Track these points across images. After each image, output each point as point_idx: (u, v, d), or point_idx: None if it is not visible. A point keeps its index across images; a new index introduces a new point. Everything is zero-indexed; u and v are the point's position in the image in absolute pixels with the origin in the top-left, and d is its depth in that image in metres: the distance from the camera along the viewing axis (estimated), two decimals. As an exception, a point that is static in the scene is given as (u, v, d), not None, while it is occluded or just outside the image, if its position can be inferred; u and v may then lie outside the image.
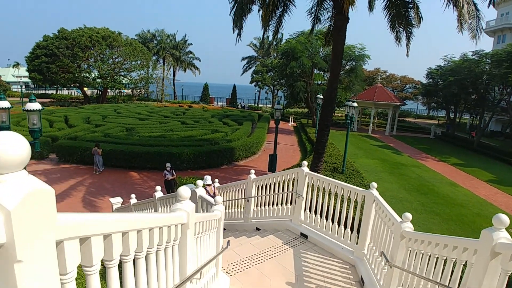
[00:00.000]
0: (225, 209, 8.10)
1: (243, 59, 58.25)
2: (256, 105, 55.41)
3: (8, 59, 49.64)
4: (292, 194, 6.39)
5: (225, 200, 8.13)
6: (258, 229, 7.01)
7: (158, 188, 6.18)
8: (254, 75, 52.04)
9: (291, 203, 6.40)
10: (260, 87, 54.04)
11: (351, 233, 5.45)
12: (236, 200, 7.76)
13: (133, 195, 7.52)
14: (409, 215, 3.97)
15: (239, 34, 12.33)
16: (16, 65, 51.07)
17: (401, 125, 39.01)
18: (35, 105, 6.69)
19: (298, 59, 26.88)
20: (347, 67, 30.51)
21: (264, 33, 13.89)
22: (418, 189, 15.36)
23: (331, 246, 5.59)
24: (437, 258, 3.25)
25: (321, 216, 5.88)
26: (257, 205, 7.23)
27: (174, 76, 57.97)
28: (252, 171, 7.28)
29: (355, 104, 14.00)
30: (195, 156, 16.13)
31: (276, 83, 49.59)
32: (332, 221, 5.71)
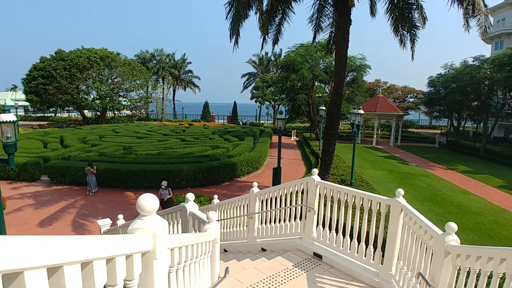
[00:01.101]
0: (226, 228, 7.23)
1: (243, 76, 58.31)
2: (257, 121, 54.95)
3: (13, 86, 49.64)
4: (301, 207, 5.54)
5: (225, 218, 7.26)
6: (263, 249, 6.11)
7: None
8: (254, 91, 51.85)
9: (300, 218, 5.53)
10: (260, 103, 53.74)
11: (374, 250, 4.56)
12: (238, 218, 6.89)
13: (120, 216, 6.67)
14: (453, 225, 3.15)
15: (236, 42, 11.78)
16: (14, 88, 51.13)
17: (405, 136, 38.25)
18: (9, 117, 5.93)
19: (298, 72, 26.44)
20: (348, 78, 30.06)
21: (263, 42, 13.37)
22: (430, 199, 14.61)
23: (350, 267, 4.69)
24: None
25: (336, 232, 5.01)
26: (261, 223, 6.36)
27: (174, 95, 57.90)
28: (255, 183, 6.45)
29: (362, 112, 13.29)
30: (195, 173, 15.30)
31: (276, 98, 49.28)
32: (351, 238, 4.84)
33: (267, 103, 53.38)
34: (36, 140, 22.39)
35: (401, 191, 4.21)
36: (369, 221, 5.98)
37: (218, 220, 7.51)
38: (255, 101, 53.18)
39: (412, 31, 13.40)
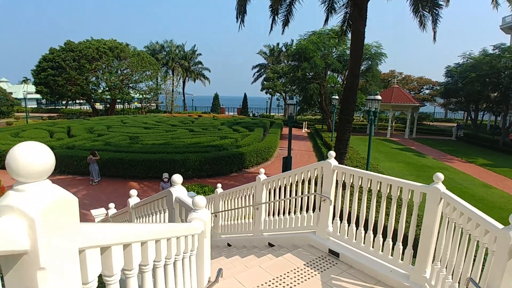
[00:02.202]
0: (230, 220, 6.53)
1: (254, 67, 57.31)
2: (268, 113, 54.03)
3: (24, 78, 49.90)
4: (315, 197, 4.76)
5: (229, 209, 6.55)
6: (271, 244, 5.38)
7: (134, 192, 4.64)
8: (265, 82, 50.82)
9: (314, 209, 4.76)
10: (271, 94, 52.75)
11: (404, 249, 3.77)
12: (243, 209, 6.16)
13: (111, 205, 6.04)
14: (522, 217, 2.36)
15: (242, 20, 10.95)
16: (25, 80, 51.42)
17: (420, 128, 36.78)
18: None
19: (310, 60, 25.36)
20: (362, 67, 28.81)
21: (272, 22, 12.52)
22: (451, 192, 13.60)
23: (374, 268, 3.91)
24: None
25: (357, 225, 4.22)
26: (269, 214, 5.62)
27: (183, 87, 57.39)
28: (262, 170, 5.70)
29: (379, 97, 12.31)
30: (201, 163, 14.64)
31: (287, 90, 48.19)
32: (374, 233, 4.05)
33: (278, 94, 52.33)
34: (42, 130, 22.16)
35: (440, 175, 3.40)
36: (398, 213, 5.17)
37: (218, 212, 6.83)
38: (266, 93, 52.19)
39: (434, 10, 12.36)
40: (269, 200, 5.57)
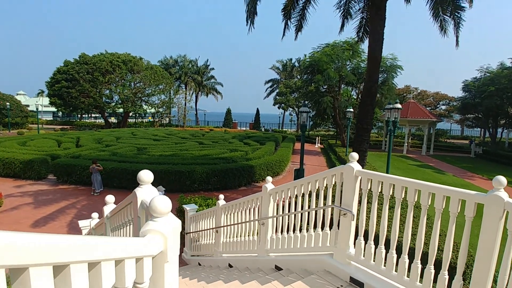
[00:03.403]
0: (232, 237, 5.67)
1: (266, 82, 57.25)
2: (280, 129, 53.34)
3: (40, 91, 51.03)
4: (332, 210, 3.90)
5: (231, 223, 5.71)
6: (278, 268, 4.49)
7: (110, 199, 3.87)
8: (277, 97, 50.43)
9: (331, 226, 3.88)
10: (284, 109, 52.19)
11: (451, 278, 2.85)
12: (247, 224, 5.32)
13: (95, 215, 5.29)
14: None
15: (252, 22, 10.38)
16: (41, 93, 52.58)
17: (437, 145, 35.19)
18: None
19: (324, 72, 24.69)
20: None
21: (285, 27, 11.94)
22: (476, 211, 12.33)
23: (410, 304, 2.99)
24: None
25: (387, 248, 3.33)
26: (276, 231, 4.76)
27: (196, 101, 57.58)
28: (269, 178, 4.88)
29: (399, 105, 11.42)
30: (208, 175, 13.88)
31: (300, 104, 47.56)
32: (410, 257, 3.15)
33: (290, 109, 51.71)
34: (51, 139, 22.00)
35: (502, 180, 2.53)
36: (445, 232, 4.22)
37: (219, 226, 5.98)
38: (278, 107, 51.71)
39: (456, 14, 11.57)
40: (277, 214, 4.72)
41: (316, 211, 4.11)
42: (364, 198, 3.48)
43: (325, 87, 28.02)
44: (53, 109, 48.90)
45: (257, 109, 54.04)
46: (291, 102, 47.78)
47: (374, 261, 3.39)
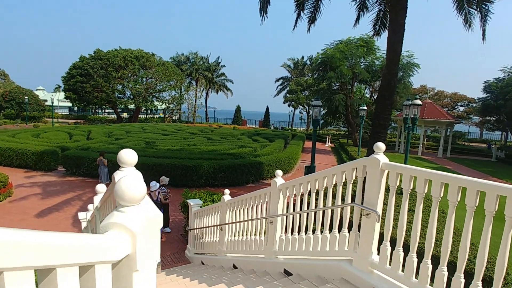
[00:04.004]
0: (237, 235, 5.22)
1: (277, 80, 56.60)
2: (290, 127, 52.66)
3: (57, 86, 51.32)
4: (352, 210, 3.39)
5: (236, 221, 5.26)
6: (287, 272, 4.01)
7: (101, 188, 3.45)
8: (288, 95, 49.79)
9: (350, 228, 3.36)
10: (294, 107, 51.52)
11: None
12: (253, 222, 4.85)
13: (91, 206, 4.90)
14: None
15: (265, 12, 9.90)
16: (58, 88, 53.13)
17: (454, 147, 33.98)
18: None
19: (337, 69, 24.01)
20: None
21: (297, 19, 11.41)
22: (498, 217, 11.57)
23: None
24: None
25: (420, 256, 2.80)
26: (286, 231, 4.27)
27: (206, 98, 57.42)
28: (279, 172, 4.40)
29: (419, 101, 10.78)
30: (215, 171, 13.47)
31: (311, 102, 46.87)
32: (450, 270, 2.62)
33: (301, 107, 51.00)
34: (63, 132, 22.02)
35: None
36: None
37: (224, 224, 5.54)
38: (288, 105, 51.04)
39: (484, 6, 10.88)
40: (287, 212, 4.23)
41: (332, 210, 3.61)
42: (392, 196, 2.96)
43: (337, 84, 27.35)
44: (69, 104, 49.41)
45: (267, 107, 53.46)
46: (302, 100, 47.09)
47: (402, 271, 2.87)
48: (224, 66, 57.26)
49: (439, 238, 3.82)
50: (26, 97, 38.57)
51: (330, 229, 3.57)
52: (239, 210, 5.23)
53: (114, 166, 13.37)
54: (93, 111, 58.95)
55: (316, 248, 3.66)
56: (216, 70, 56.48)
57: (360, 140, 22.49)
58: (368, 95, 29.94)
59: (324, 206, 3.67)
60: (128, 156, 1.81)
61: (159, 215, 1.28)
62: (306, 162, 20.85)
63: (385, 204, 3.19)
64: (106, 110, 61.37)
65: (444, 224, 2.84)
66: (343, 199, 3.55)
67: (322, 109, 29.58)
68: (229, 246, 5.54)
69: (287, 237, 4.13)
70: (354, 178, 3.33)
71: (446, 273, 2.57)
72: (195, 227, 6.98)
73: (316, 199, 3.99)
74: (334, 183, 3.52)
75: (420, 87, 46.97)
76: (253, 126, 53.47)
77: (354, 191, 3.50)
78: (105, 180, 12.94)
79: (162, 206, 8.58)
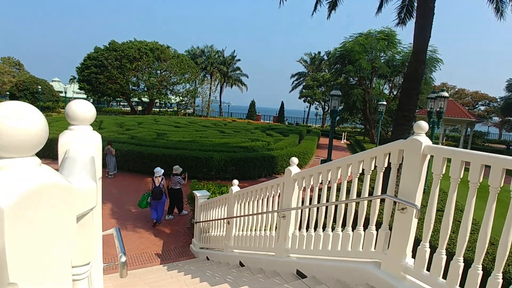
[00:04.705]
0: (246, 230, 4.73)
1: (293, 75, 55.73)
2: (304, 123, 51.76)
3: (72, 77, 51.86)
4: (382, 203, 2.83)
5: (245, 214, 4.76)
6: (301, 274, 3.49)
7: None
8: (303, 90, 48.88)
9: (379, 225, 2.80)
10: (309, 103, 50.58)
11: None
12: (263, 216, 4.34)
13: None
14: None
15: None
16: (73, 79, 53.86)
17: (474, 147, 32.41)
18: None
19: (356, 63, 23.09)
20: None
21: (317, 3, 10.77)
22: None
23: None
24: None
25: (467, 260, 2.23)
26: (300, 227, 3.74)
27: (221, 92, 57.11)
28: (294, 159, 3.88)
29: (446, 94, 9.99)
30: (226, 163, 13.03)
31: (327, 99, 45.85)
32: (506, 277, 2.04)
33: (316, 103, 50.03)
34: (75, 122, 21.99)
35: None
36: None
37: (232, 217, 5.04)
38: (304, 101, 50.14)
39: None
40: (302, 205, 3.69)
41: (357, 205, 3.06)
42: (436, 187, 2.39)
43: (355, 79, 26.41)
44: (85, 96, 50.03)
45: (282, 102, 52.64)
46: (318, 96, 46.15)
47: (444, 277, 2.30)
48: (239, 60, 56.74)
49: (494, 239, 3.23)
50: (39, 87, 39.06)
51: (354, 226, 3.02)
52: (248, 203, 4.73)
53: (123, 156, 13.15)
54: (108, 103, 59.53)
55: (336, 247, 3.11)
56: (232, 64, 55.99)
57: (378, 136, 21.58)
58: (387, 91, 28.88)
59: (348, 198, 3.11)
60: (80, 109, 1.33)
61: (89, 188, 0.80)
62: (320, 158, 20.17)
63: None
64: (122, 103, 61.94)
65: (501, 223, 2.25)
66: (370, 193, 2.99)
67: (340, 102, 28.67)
68: (236, 241, 5.05)
69: (301, 234, 3.60)
70: (386, 164, 2.76)
71: (500, 281, 1.99)
72: (201, 220, 6.53)
73: (339, 190, 3.48)
74: (360, 171, 2.96)
75: (441, 84, 45.26)
76: (267, 121, 52.85)
77: (384, 183, 2.94)
78: (112, 170, 12.69)
79: (168, 194, 8.72)
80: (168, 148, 13.74)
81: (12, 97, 42.55)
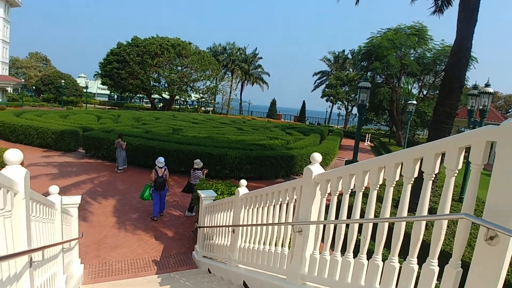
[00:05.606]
0: (253, 242, 3.82)
1: (315, 74, 54.21)
2: (326, 124, 50.21)
3: (96, 73, 52.57)
4: (455, 224, 1.84)
5: (251, 224, 3.86)
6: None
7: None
8: (326, 89, 47.38)
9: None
10: (332, 102, 49.00)
11: None
12: (274, 227, 3.41)
13: (54, 189, 3.68)
14: None
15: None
16: (97, 74, 54.87)
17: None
18: None
19: (383, 59, 21.63)
20: (443, 73, 24.15)
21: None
22: None
23: None
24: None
25: None
26: (322, 247, 2.78)
27: (241, 89, 56.49)
28: (317, 156, 2.94)
29: (490, 89, 8.71)
30: (241, 161, 12.17)
31: (351, 99, 44.19)
32: None
33: (339, 103, 48.37)
34: (92, 115, 21.96)
35: None
36: None
37: (237, 225, 4.14)
38: (326, 100, 48.60)
39: None
40: (325, 219, 2.74)
41: (408, 225, 2.08)
42: None
43: (382, 77, 24.88)
44: (108, 91, 50.68)
45: (303, 101, 51.30)
46: (341, 95, 44.54)
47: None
48: (261, 58, 55.90)
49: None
50: (62, 81, 39.74)
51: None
52: (257, 209, 3.82)
53: (134, 150, 12.59)
54: (130, 99, 60.22)
55: (390, 283, 2.14)
56: (253, 62, 55.23)
57: (406, 138, 20.07)
58: (416, 90, 27.12)
59: (397, 213, 2.13)
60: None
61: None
62: (343, 160, 18.96)
63: None
64: (144, 100, 62.49)
65: None
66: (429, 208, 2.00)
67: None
68: (241, 254, 4.16)
69: (323, 257, 2.64)
70: (459, 164, 1.78)
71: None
72: (205, 225, 5.68)
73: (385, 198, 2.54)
74: (415, 174, 1.98)
75: (472, 86, 42.56)
76: (288, 120, 51.70)
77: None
78: (122, 165, 12.12)
79: (186, 189, 8.74)
80: (181, 144, 13.05)
81: (37, 91, 43.63)
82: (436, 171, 1.88)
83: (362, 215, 2.30)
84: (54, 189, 3.67)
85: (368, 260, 2.24)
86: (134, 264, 5.72)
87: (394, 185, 2.10)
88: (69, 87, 42.79)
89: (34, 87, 45.40)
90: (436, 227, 1.83)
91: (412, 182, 2.01)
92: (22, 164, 7.81)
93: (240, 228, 4.16)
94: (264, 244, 3.64)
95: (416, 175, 1.98)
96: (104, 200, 8.92)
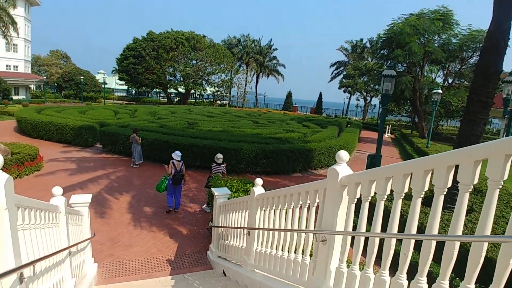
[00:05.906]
0: (268, 247, 3.49)
1: (332, 65, 52.96)
2: (344, 116, 49.08)
3: (114, 68, 53.15)
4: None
5: (267, 228, 3.52)
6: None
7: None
8: (344, 80, 46.18)
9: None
10: (350, 93, 47.77)
11: None
12: (294, 234, 3.07)
13: (57, 190, 3.45)
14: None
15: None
16: (115, 70, 55.70)
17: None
18: None
19: (406, 46, 20.60)
20: (472, 60, 22.84)
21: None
22: None
23: None
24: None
25: None
26: (351, 261, 2.42)
27: (257, 82, 55.91)
28: (343, 154, 2.56)
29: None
30: (257, 156, 11.85)
31: (369, 89, 42.89)
32: None
33: (358, 94, 47.09)
34: (110, 110, 22.12)
35: None
36: None
37: (253, 228, 3.80)
38: (344, 91, 47.41)
39: None
40: (353, 228, 2.37)
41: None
42: None
43: (404, 65, 23.78)
44: (125, 86, 51.31)
45: (320, 93, 50.23)
46: (359, 86, 43.28)
47: None
48: (276, 49, 55.01)
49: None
50: (82, 77, 40.41)
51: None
52: (274, 211, 3.48)
53: (150, 145, 12.48)
54: (147, 94, 60.88)
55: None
56: (268, 53, 54.44)
57: (430, 129, 19.13)
58: (440, 79, 25.87)
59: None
60: None
61: None
62: (362, 153, 18.33)
63: None
64: (161, 95, 63.04)
65: None
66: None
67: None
68: (257, 258, 3.85)
69: (351, 272, 2.28)
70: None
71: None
72: (219, 225, 5.40)
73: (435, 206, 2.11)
74: (475, 181, 1.58)
75: (504, 73, 40.31)
76: (304, 112, 50.89)
77: None
78: (138, 159, 12.04)
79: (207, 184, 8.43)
80: (195, 138, 12.85)
81: (59, 87, 44.60)
82: (505, 176, 1.47)
83: (401, 226, 1.91)
84: (57, 190, 3.44)
85: (410, 282, 1.86)
86: (148, 263, 5.53)
87: (445, 192, 1.70)
88: (88, 83, 43.53)
89: (55, 84, 46.46)
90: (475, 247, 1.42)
91: (468, 190, 1.61)
92: (40, 159, 7.70)
93: (256, 231, 3.84)
94: (282, 250, 3.30)
95: (476, 181, 1.57)
96: (119, 195, 8.83)
